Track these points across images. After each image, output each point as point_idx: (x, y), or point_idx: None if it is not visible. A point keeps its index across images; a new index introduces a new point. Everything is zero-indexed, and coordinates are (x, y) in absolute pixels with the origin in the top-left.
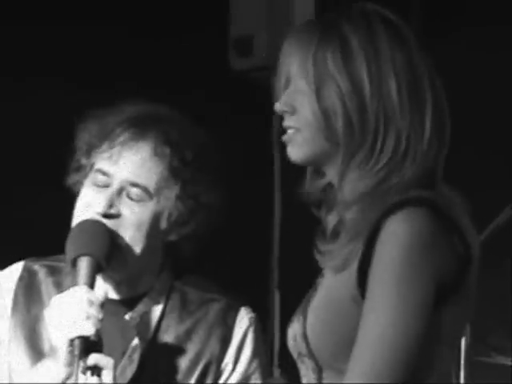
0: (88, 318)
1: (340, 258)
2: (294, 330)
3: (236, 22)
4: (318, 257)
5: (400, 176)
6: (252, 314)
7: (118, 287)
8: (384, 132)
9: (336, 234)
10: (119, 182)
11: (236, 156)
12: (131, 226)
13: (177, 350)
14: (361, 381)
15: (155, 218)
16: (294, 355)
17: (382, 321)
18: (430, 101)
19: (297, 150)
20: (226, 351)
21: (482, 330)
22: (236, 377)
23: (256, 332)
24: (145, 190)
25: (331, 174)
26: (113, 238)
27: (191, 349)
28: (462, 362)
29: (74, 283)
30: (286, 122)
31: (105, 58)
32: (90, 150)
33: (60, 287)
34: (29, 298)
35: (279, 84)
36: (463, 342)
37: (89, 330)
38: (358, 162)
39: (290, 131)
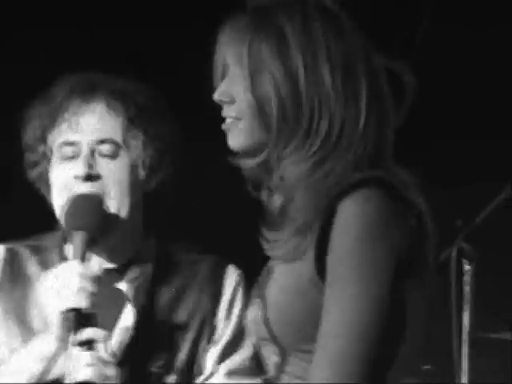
0: (80, 291)
1: (288, 248)
2: (252, 314)
3: None
4: (265, 244)
5: (336, 159)
6: (239, 271)
7: (109, 255)
8: (318, 117)
9: (281, 220)
10: (87, 145)
11: None
12: (114, 184)
13: (171, 311)
14: (329, 370)
15: (133, 170)
16: (253, 339)
17: (347, 307)
18: (365, 86)
19: (236, 139)
20: (218, 307)
21: (495, 307)
22: (230, 329)
23: (244, 288)
24: (113, 142)
25: (271, 160)
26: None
27: (184, 308)
28: (466, 338)
29: (65, 258)
30: (225, 112)
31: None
32: (43, 135)
33: (45, 264)
34: (14, 279)
35: (216, 74)
36: (467, 318)
37: (80, 302)
38: (293, 147)
39: (228, 120)
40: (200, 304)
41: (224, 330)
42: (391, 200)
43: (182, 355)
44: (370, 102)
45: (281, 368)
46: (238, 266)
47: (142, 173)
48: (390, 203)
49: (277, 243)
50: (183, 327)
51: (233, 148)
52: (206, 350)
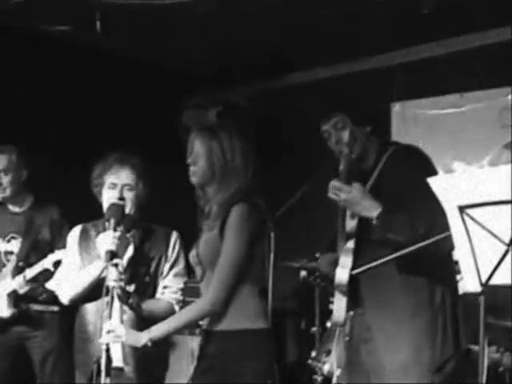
0: (112, 242)
1: (211, 227)
2: (193, 251)
3: None
4: (201, 224)
5: (231, 189)
6: (178, 234)
7: (123, 227)
8: (226, 172)
9: (209, 213)
10: (121, 185)
11: None
12: (130, 201)
13: (148, 251)
14: (221, 282)
15: (137, 197)
16: (193, 263)
17: (229, 255)
18: (244, 156)
19: (195, 178)
20: (168, 249)
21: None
22: (176, 262)
23: (181, 242)
24: (130, 185)
25: (210, 190)
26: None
27: (153, 251)
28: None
29: (106, 229)
30: (192, 168)
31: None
32: (101, 176)
33: (98, 232)
34: (85, 239)
35: (189, 150)
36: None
37: (112, 247)
38: (216, 183)
39: (192, 169)
40: (160, 249)
41: (172, 263)
42: (252, 210)
43: (152, 271)
44: (247, 164)
45: (202, 277)
46: (182, 234)
47: (138, 195)
48: (251, 211)
49: (207, 223)
50: (152, 259)
51: (194, 183)
52: (162, 273)
